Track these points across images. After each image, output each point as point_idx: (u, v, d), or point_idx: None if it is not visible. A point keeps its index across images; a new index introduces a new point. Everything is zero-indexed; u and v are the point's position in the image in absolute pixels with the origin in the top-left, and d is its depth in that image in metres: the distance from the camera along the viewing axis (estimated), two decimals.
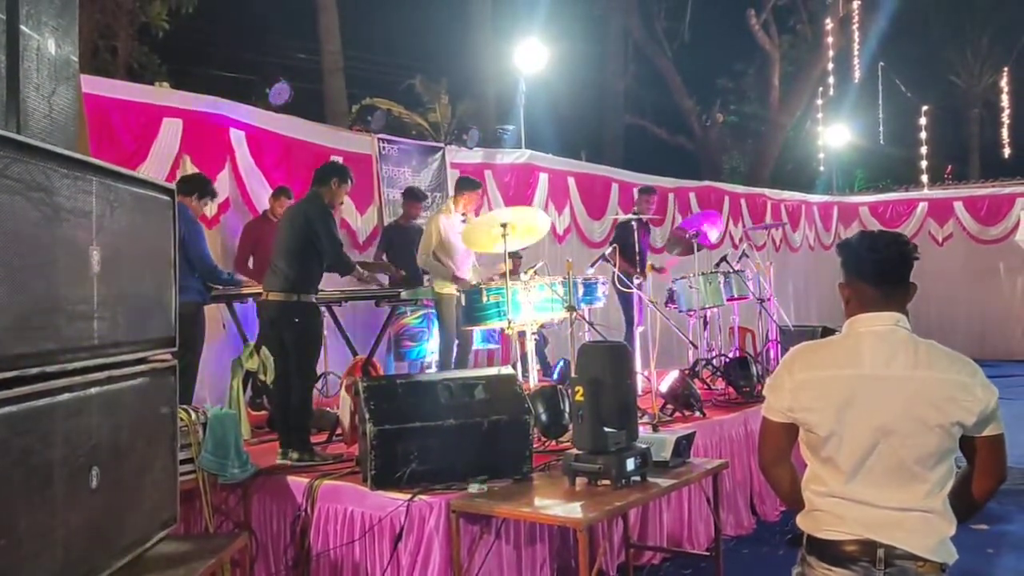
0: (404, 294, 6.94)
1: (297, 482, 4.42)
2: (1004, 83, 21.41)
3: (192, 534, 4.28)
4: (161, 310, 3.30)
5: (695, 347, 7.75)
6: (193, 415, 4.26)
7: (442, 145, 9.80)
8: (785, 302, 12.86)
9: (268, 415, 6.07)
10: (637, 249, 7.91)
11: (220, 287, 5.93)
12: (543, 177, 10.78)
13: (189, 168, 6.92)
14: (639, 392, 5.19)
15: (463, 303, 6.27)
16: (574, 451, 4.09)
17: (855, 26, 19.44)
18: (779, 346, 7.60)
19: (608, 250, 7.78)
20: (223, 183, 7.31)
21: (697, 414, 5.94)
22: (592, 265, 7.81)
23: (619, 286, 7.72)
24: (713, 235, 8.81)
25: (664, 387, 6.07)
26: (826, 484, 2.24)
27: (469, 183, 7.20)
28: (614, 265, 7.55)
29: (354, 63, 15.89)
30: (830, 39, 19.11)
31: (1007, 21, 22.54)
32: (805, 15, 20.79)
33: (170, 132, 6.92)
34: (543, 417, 5.00)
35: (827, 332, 6.68)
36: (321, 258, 5.14)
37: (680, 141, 21.91)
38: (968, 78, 24.51)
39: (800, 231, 15.58)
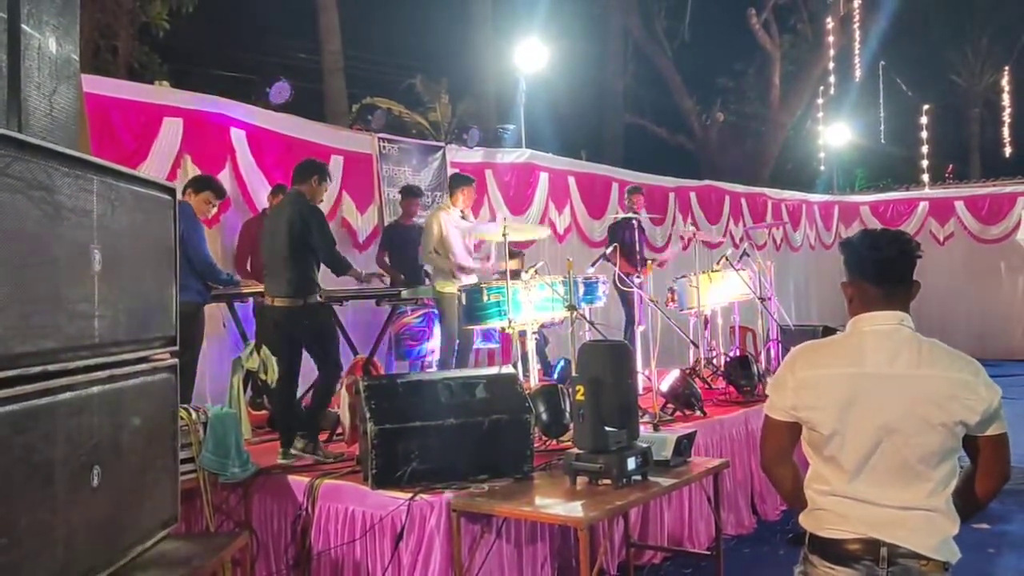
0: (405, 293, 6.95)
1: (298, 481, 4.42)
2: (1005, 82, 21.41)
3: (193, 533, 4.28)
4: (162, 309, 3.30)
5: (696, 346, 7.75)
6: (194, 414, 4.27)
7: (442, 144, 9.80)
8: (786, 301, 12.87)
9: (268, 414, 6.07)
10: (638, 248, 7.91)
11: (220, 287, 5.93)
12: (543, 176, 10.79)
13: (190, 167, 6.93)
14: (640, 391, 5.19)
15: (464, 302, 6.27)
16: (575, 450, 4.09)
17: (856, 25, 19.43)
18: (780, 345, 7.60)
19: (609, 249, 7.79)
20: (223, 182, 7.28)
21: (698, 413, 5.93)
22: (592, 264, 7.82)
23: (619, 285, 7.73)
24: None
25: (665, 386, 6.07)
26: (829, 483, 2.24)
27: (463, 179, 7.21)
28: (614, 264, 7.55)
29: (354, 62, 15.88)
30: (831, 38, 19.11)
31: (1007, 20, 22.54)
32: (805, 14, 20.78)
33: (171, 131, 6.92)
34: (544, 416, 5.00)
35: (828, 331, 6.69)
36: (317, 258, 5.14)
37: (680, 140, 21.90)
38: (969, 77, 24.50)
39: (801, 230, 15.58)
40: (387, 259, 7.80)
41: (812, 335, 6.77)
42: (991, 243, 15.37)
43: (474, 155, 9.93)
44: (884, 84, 21.25)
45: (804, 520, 2.31)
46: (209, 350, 6.10)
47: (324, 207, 5.62)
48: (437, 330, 7.20)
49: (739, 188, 14.98)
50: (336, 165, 8.25)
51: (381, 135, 8.90)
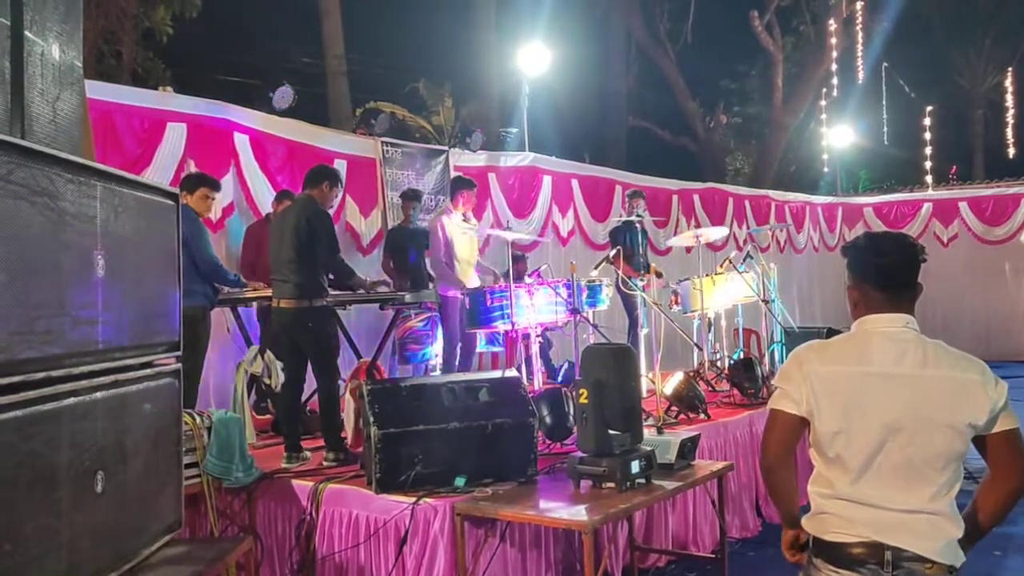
0: (408, 297, 6.94)
1: (302, 486, 4.42)
2: (1008, 83, 21.37)
3: (197, 538, 4.29)
4: (166, 314, 3.31)
5: (699, 349, 7.74)
6: (198, 419, 4.27)
7: (446, 148, 9.81)
8: (790, 303, 12.85)
9: (272, 419, 6.08)
10: (640, 251, 7.91)
11: (225, 290, 5.94)
12: (547, 179, 10.80)
13: (193, 173, 6.93)
14: (643, 394, 5.18)
15: (467, 306, 6.28)
16: (579, 454, 4.09)
17: (858, 27, 19.42)
18: (784, 348, 7.58)
19: (612, 252, 7.78)
20: (227, 187, 7.32)
21: (702, 416, 5.92)
22: (595, 268, 7.82)
23: (622, 288, 7.73)
24: None
25: (669, 389, 6.06)
26: (833, 486, 2.23)
27: (464, 183, 7.23)
28: (617, 268, 7.55)
29: (357, 67, 15.90)
30: (833, 40, 19.08)
31: (1010, 21, 22.50)
32: (808, 16, 20.75)
33: (174, 136, 6.94)
34: (547, 419, 5.00)
35: (832, 333, 6.67)
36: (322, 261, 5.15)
37: (683, 143, 21.88)
38: (972, 78, 24.45)
39: (804, 232, 15.56)
40: (391, 263, 7.81)
41: (817, 337, 6.73)
42: (995, 244, 15.33)
43: (477, 159, 9.94)
44: (887, 86, 21.23)
45: (808, 524, 2.30)
46: (213, 354, 6.11)
47: (330, 211, 5.63)
48: (441, 334, 7.21)
49: (742, 190, 14.97)
50: (339, 169, 8.24)
51: (384, 139, 8.91)
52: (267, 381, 5.74)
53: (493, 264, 7.83)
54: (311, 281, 5.05)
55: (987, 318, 15.17)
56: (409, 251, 7.65)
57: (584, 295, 6.74)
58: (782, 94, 20.30)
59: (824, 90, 19.88)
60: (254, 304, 6.47)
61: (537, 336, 6.55)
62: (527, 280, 6.55)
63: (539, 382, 6.33)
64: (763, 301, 7.99)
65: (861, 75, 19.79)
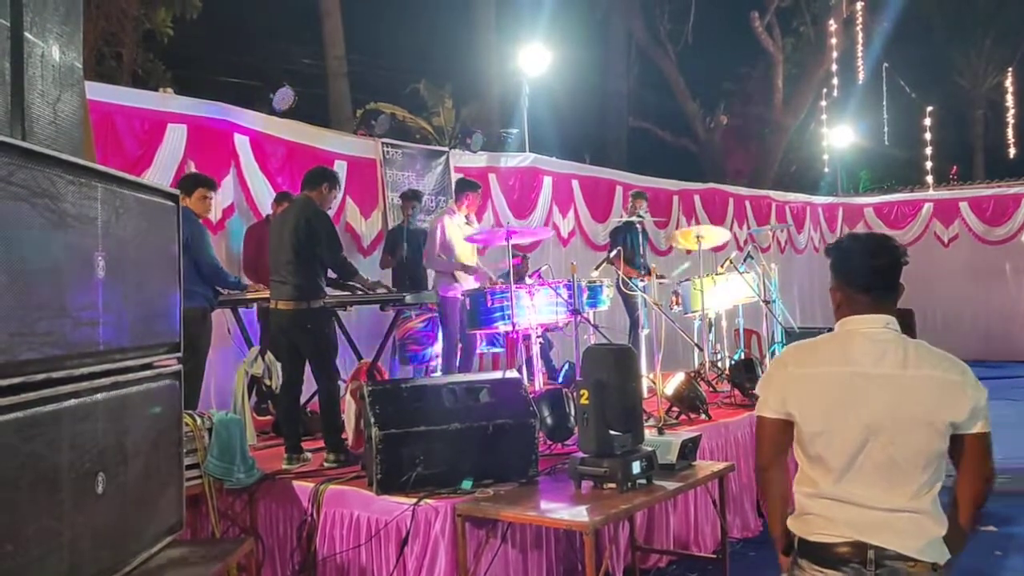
0: (409, 298, 6.94)
1: (303, 487, 4.42)
2: (1008, 83, 21.37)
3: (198, 539, 4.29)
4: (166, 315, 3.31)
5: (700, 349, 7.74)
6: (199, 420, 4.27)
7: (446, 149, 9.81)
8: (790, 304, 12.84)
9: (273, 420, 6.08)
10: (640, 252, 7.91)
11: (226, 291, 5.94)
12: (547, 180, 10.80)
13: None
14: (644, 395, 5.18)
15: (468, 307, 6.28)
16: (580, 454, 4.08)
17: (858, 27, 19.42)
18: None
19: (612, 253, 7.78)
20: (227, 188, 7.33)
21: (703, 416, 5.92)
22: (596, 268, 7.82)
23: (623, 289, 7.72)
24: None
25: (669, 390, 6.06)
26: (816, 485, 2.25)
27: (469, 184, 7.24)
28: (618, 268, 7.55)
29: (358, 67, 15.92)
30: (833, 41, 19.09)
31: (1011, 21, 22.49)
32: (808, 17, 20.75)
33: (175, 138, 6.94)
34: (548, 420, 5.00)
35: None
36: (323, 263, 5.15)
37: (684, 143, 21.88)
38: (972, 79, 24.44)
39: (805, 233, 15.56)
40: (391, 263, 7.81)
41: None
42: (996, 244, 15.32)
43: (478, 159, 9.94)
44: (887, 86, 21.22)
45: (792, 524, 2.32)
46: (214, 356, 6.11)
47: (328, 212, 5.64)
48: (441, 334, 7.21)
49: (743, 191, 14.97)
50: (340, 170, 8.23)
51: (385, 140, 8.92)
52: (267, 382, 5.74)
53: (494, 264, 7.83)
54: (309, 282, 5.05)
55: (988, 318, 15.16)
56: (411, 252, 7.65)
57: (585, 296, 6.74)
58: (782, 95, 20.31)
59: (824, 91, 19.88)
60: (254, 306, 6.47)
61: (538, 337, 6.55)
62: (528, 281, 6.55)
63: (540, 383, 6.33)
64: (764, 301, 7.99)
65: (861, 75, 19.79)
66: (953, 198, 16.07)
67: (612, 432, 3.96)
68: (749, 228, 13.70)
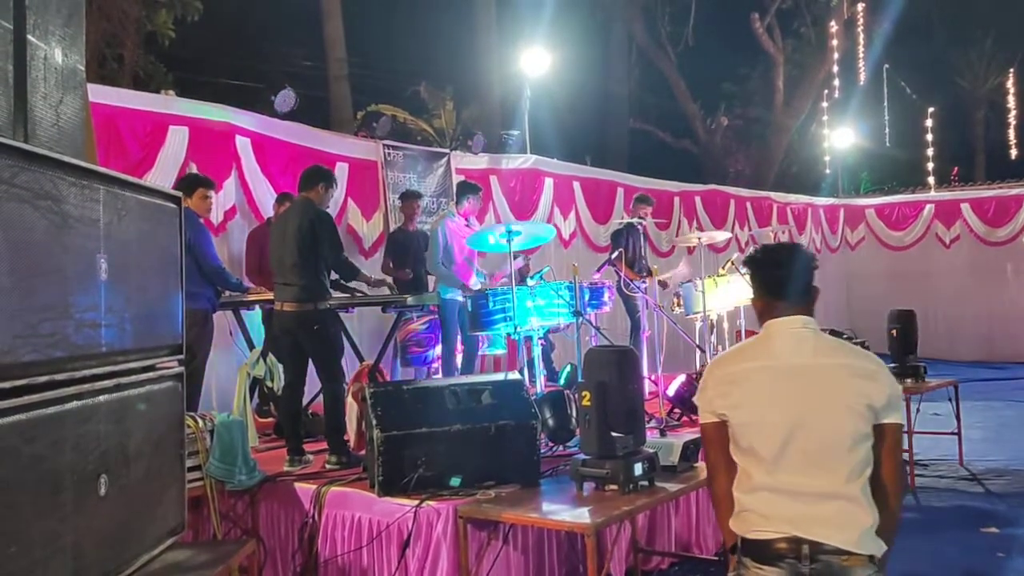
0: (411, 300, 6.95)
1: (304, 489, 4.42)
2: (1010, 84, 21.36)
3: (200, 541, 4.29)
4: (168, 317, 3.31)
5: (702, 351, 7.73)
6: (200, 422, 4.28)
7: (447, 151, 9.82)
8: None
9: (275, 422, 6.08)
10: (640, 254, 7.91)
11: (228, 293, 5.94)
12: (548, 182, 10.80)
13: None
14: (646, 396, 5.18)
15: (469, 309, 6.28)
16: (581, 456, 4.08)
17: (859, 29, 19.41)
18: None
19: (613, 255, 7.78)
20: (229, 190, 7.34)
21: None
22: (598, 270, 7.82)
23: (624, 291, 7.72)
24: None
25: (671, 391, 6.06)
26: (751, 478, 2.34)
27: (470, 187, 7.24)
28: (619, 270, 7.55)
29: (359, 69, 15.93)
30: (834, 42, 19.08)
31: (1011, 22, 22.47)
32: (809, 18, 20.74)
33: (176, 140, 6.95)
34: (550, 422, 5.00)
35: (834, 335, 6.66)
36: (327, 264, 5.15)
37: (685, 145, 21.88)
38: (973, 79, 24.44)
39: (806, 234, 15.55)
40: (392, 265, 7.81)
41: None
42: (997, 245, 15.29)
43: (479, 161, 9.95)
44: (888, 87, 21.21)
45: (733, 524, 2.39)
46: (216, 358, 6.12)
47: (329, 213, 5.64)
48: (442, 336, 7.21)
49: (744, 192, 14.97)
50: (341, 172, 8.27)
51: (386, 142, 8.93)
52: (269, 384, 5.75)
53: (495, 265, 7.83)
54: (315, 284, 5.05)
55: (990, 319, 15.14)
56: (412, 254, 7.65)
57: (587, 297, 6.74)
58: (783, 96, 20.31)
59: (825, 92, 19.88)
60: (256, 307, 6.48)
61: (539, 339, 6.55)
62: (529, 282, 6.54)
63: (541, 385, 6.33)
64: None
65: (862, 77, 19.78)
66: (954, 199, 16.05)
67: (614, 434, 3.95)
68: (750, 229, 13.70)
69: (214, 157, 7.23)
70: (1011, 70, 21.69)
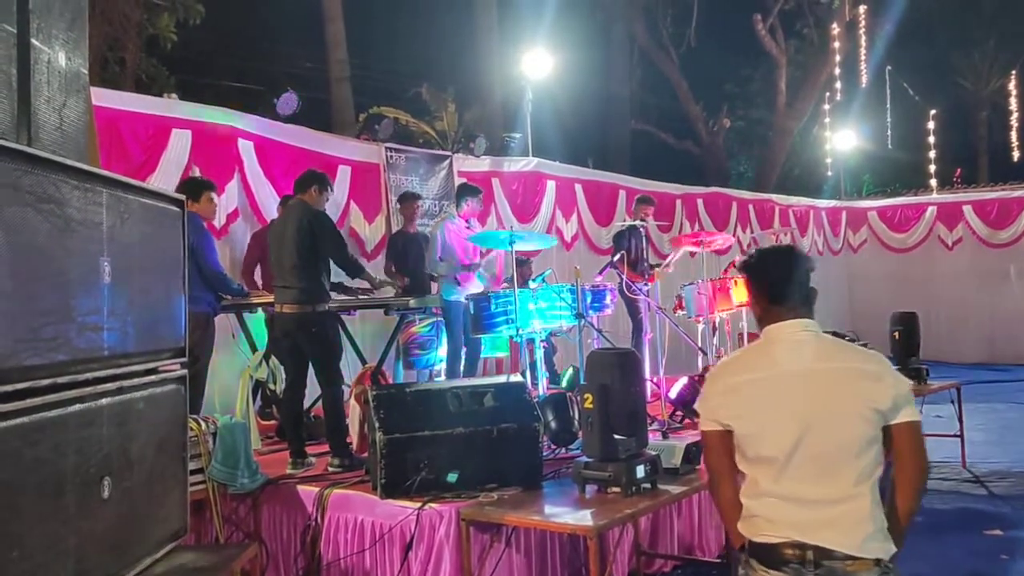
0: (413, 302, 6.95)
1: (307, 491, 4.42)
2: (1012, 86, 21.32)
3: (202, 544, 4.29)
4: (171, 320, 3.32)
5: (704, 353, 7.73)
6: (203, 425, 4.28)
7: (449, 153, 9.82)
8: None
9: (277, 424, 6.08)
10: (643, 256, 7.91)
11: (230, 297, 5.95)
12: (550, 184, 10.81)
13: None
14: (648, 399, 5.18)
15: (472, 311, 6.28)
16: (584, 458, 4.08)
17: (862, 30, 19.39)
18: None
19: (615, 257, 7.78)
20: (232, 193, 7.34)
21: None
22: (600, 273, 7.82)
23: (626, 293, 7.72)
24: None
25: (674, 393, 6.05)
26: (758, 485, 2.33)
27: (470, 189, 7.24)
28: (621, 272, 7.55)
29: (361, 72, 15.94)
30: (837, 44, 19.07)
31: (1014, 24, 22.47)
32: (811, 20, 20.73)
33: (179, 143, 6.96)
34: (553, 424, 4.99)
35: (836, 336, 6.66)
36: (327, 265, 5.15)
37: (687, 147, 21.88)
38: (976, 81, 24.42)
39: (808, 236, 15.54)
40: (394, 267, 7.81)
41: None
42: (1000, 247, 15.27)
43: (481, 164, 9.95)
44: (891, 89, 21.20)
45: (742, 527, 2.39)
46: (218, 360, 6.11)
47: (331, 217, 5.65)
48: (445, 339, 7.21)
49: (746, 194, 14.96)
50: (343, 175, 8.28)
51: (388, 144, 8.93)
52: (272, 387, 5.75)
53: (496, 267, 7.84)
54: (314, 286, 5.05)
55: (992, 322, 15.11)
56: (414, 256, 7.65)
57: (589, 300, 6.74)
58: (785, 98, 20.30)
59: (828, 94, 19.86)
60: (258, 310, 6.48)
61: (541, 341, 6.54)
62: (531, 285, 6.55)
63: (543, 387, 6.33)
64: None
65: (864, 79, 19.76)
66: (957, 201, 16.03)
67: (616, 436, 3.95)
68: (752, 232, 13.69)
69: (217, 160, 7.23)
70: (1013, 72, 21.64)
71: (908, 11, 19.60)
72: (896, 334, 7.50)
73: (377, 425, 4.08)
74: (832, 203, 17.00)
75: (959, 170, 21.62)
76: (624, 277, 7.52)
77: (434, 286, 7.35)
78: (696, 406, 2.52)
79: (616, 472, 3.92)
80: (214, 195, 5.92)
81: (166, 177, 6.74)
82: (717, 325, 8.09)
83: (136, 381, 3.01)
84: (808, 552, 2.21)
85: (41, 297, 2.44)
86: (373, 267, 8.12)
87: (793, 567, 2.23)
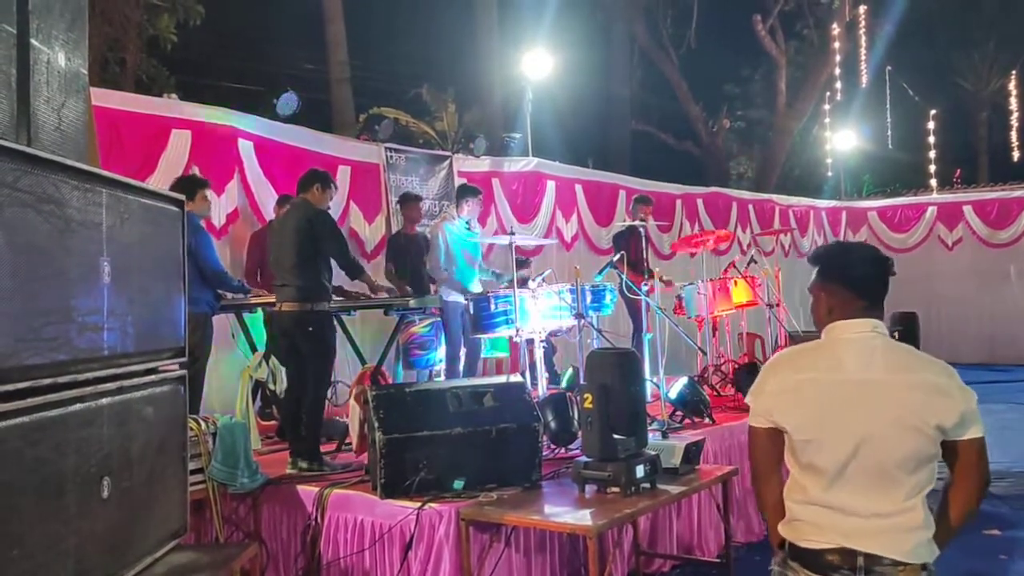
0: (413, 302, 6.95)
1: (307, 491, 4.42)
2: (1012, 86, 21.34)
3: (202, 544, 4.29)
4: (171, 320, 3.32)
5: (704, 353, 7.73)
6: (203, 425, 4.28)
7: (449, 154, 9.82)
8: (794, 307, 12.79)
9: (277, 424, 6.08)
10: (643, 256, 7.91)
11: (229, 296, 5.95)
12: (550, 185, 10.81)
13: None
14: (648, 399, 5.19)
15: (471, 311, 6.28)
16: (583, 458, 4.09)
17: (862, 31, 19.41)
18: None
19: (615, 258, 7.79)
20: (232, 193, 7.35)
21: (707, 420, 5.92)
22: (600, 273, 7.82)
23: (626, 293, 7.72)
24: None
25: (673, 393, 6.05)
26: (806, 492, 2.26)
27: (470, 190, 7.23)
28: (621, 273, 7.56)
29: (361, 72, 15.94)
30: (837, 44, 19.09)
31: (1014, 24, 22.48)
32: (811, 20, 20.75)
33: (179, 143, 6.96)
34: (552, 424, 5.00)
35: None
36: (328, 264, 5.15)
37: (687, 147, 21.89)
38: (976, 82, 24.43)
39: (809, 236, 15.55)
40: (394, 268, 7.82)
41: None
42: (1000, 248, 15.29)
43: (481, 164, 9.96)
44: (891, 89, 21.21)
45: (783, 530, 2.33)
46: (218, 360, 6.12)
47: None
48: (445, 339, 7.21)
49: (746, 194, 14.96)
50: (343, 175, 8.28)
51: (388, 145, 8.93)
52: (272, 387, 5.75)
53: (497, 268, 7.84)
54: (313, 285, 5.05)
55: (992, 322, 15.13)
56: (413, 257, 7.65)
57: (589, 300, 6.74)
58: (785, 98, 20.32)
59: (828, 94, 19.88)
60: (258, 310, 6.48)
61: (541, 341, 6.55)
62: (531, 285, 6.55)
63: (543, 387, 6.33)
64: (767, 305, 7.98)
65: (865, 79, 19.78)
66: (957, 201, 16.04)
67: (616, 436, 3.96)
68: (752, 232, 13.69)
69: (216, 160, 7.24)
70: (1013, 72, 21.66)
71: (908, 11, 19.62)
72: (896, 334, 7.44)
73: (377, 425, 4.09)
74: (832, 203, 17.01)
75: (959, 170, 21.63)
76: (624, 277, 7.53)
77: (433, 287, 7.35)
78: (748, 399, 2.39)
79: (616, 472, 3.92)
80: (208, 192, 5.92)
81: (166, 177, 6.73)
82: (717, 325, 8.10)
83: (136, 381, 3.01)
84: (859, 559, 2.16)
85: (41, 297, 2.44)
86: (373, 267, 8.14)
87: (843, 573, 2.18)
